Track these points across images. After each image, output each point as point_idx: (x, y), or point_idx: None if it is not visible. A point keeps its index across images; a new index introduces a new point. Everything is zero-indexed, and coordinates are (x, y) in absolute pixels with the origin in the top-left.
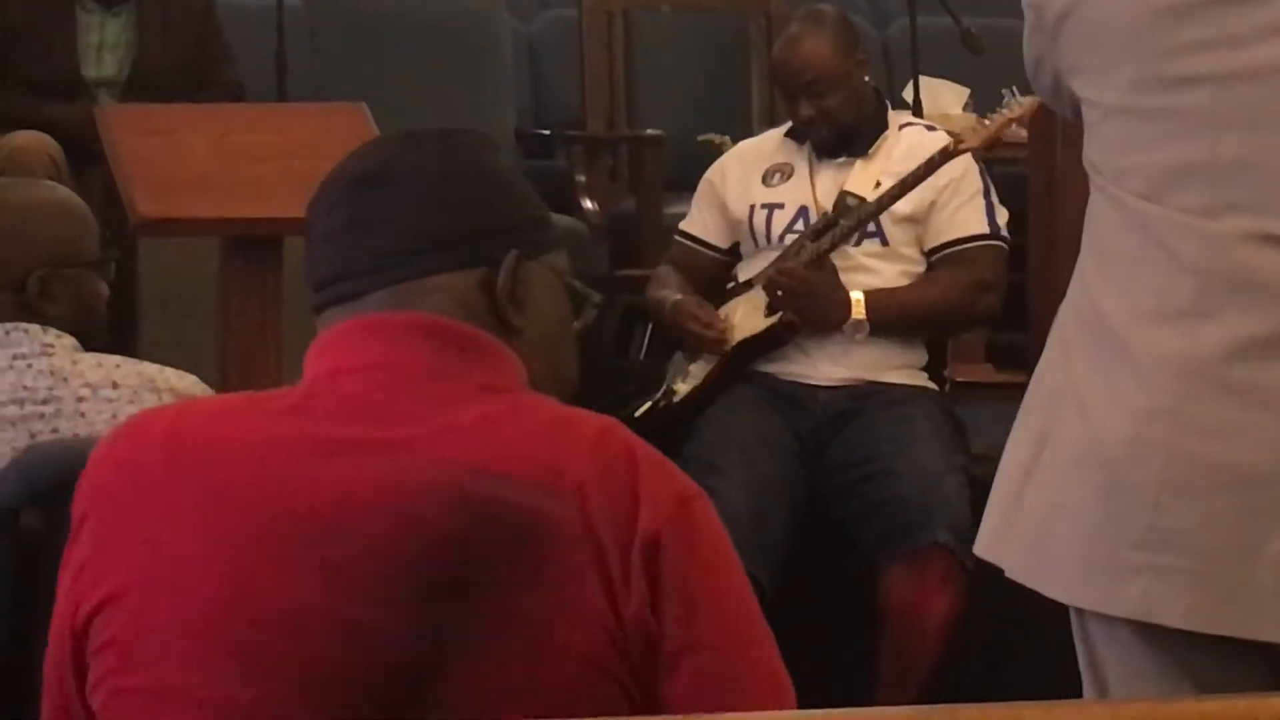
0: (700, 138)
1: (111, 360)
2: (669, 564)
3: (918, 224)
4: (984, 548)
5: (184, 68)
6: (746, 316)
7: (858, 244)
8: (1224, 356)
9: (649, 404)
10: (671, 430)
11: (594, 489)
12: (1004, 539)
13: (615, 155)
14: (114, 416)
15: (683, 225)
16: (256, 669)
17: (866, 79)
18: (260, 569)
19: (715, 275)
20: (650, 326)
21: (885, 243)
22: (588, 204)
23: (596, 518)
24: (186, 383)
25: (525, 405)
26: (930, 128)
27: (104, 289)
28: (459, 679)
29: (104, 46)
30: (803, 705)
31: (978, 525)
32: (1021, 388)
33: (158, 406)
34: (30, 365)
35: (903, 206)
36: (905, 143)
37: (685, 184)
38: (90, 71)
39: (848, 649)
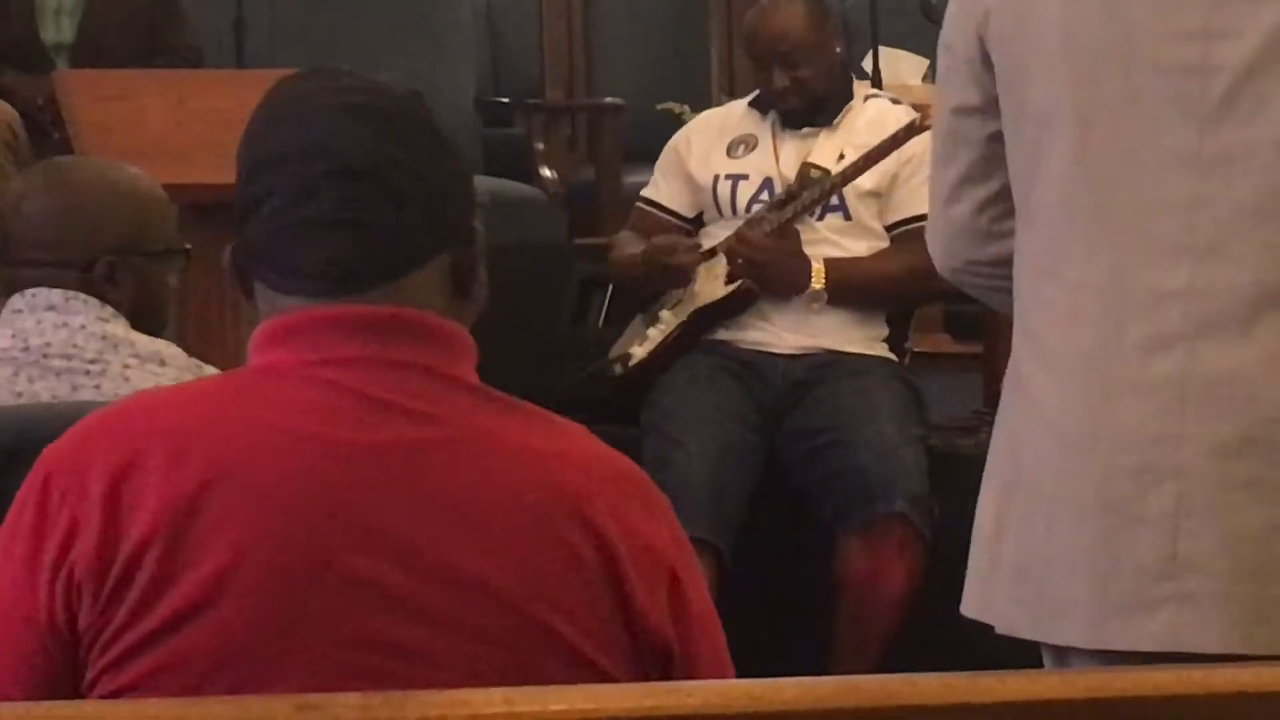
0: (659, 106)
1: (163, 341)
2: (683, 591)
3: (880, 198)
4: (970, 609)
5: (135, 26)
6: (705, 284)
7: (821, 218)
8: (1225, 376)
9: (603, 368)
10: (627, 395)
11: (608, 516)
12: (987, 596)
13: (574, 123)
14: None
15: (645, 192)
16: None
17: (838, 49)
18: (292, 575)
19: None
20: (609, 294)
21: (848, 217)
22: (546, 172)
23: (615, 545)
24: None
25: (517, 412)
26: (895, 100)
27: (172, 280)
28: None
29: (62, 10)
30: (759, 674)
31: (935, 495)
32: (979, 358)
33: (135, 394)
34: (84, 328)
35: (865, 181)
36: (869, 114)
37: (644, 153)
38: (49, 35)
39: (805, 618)
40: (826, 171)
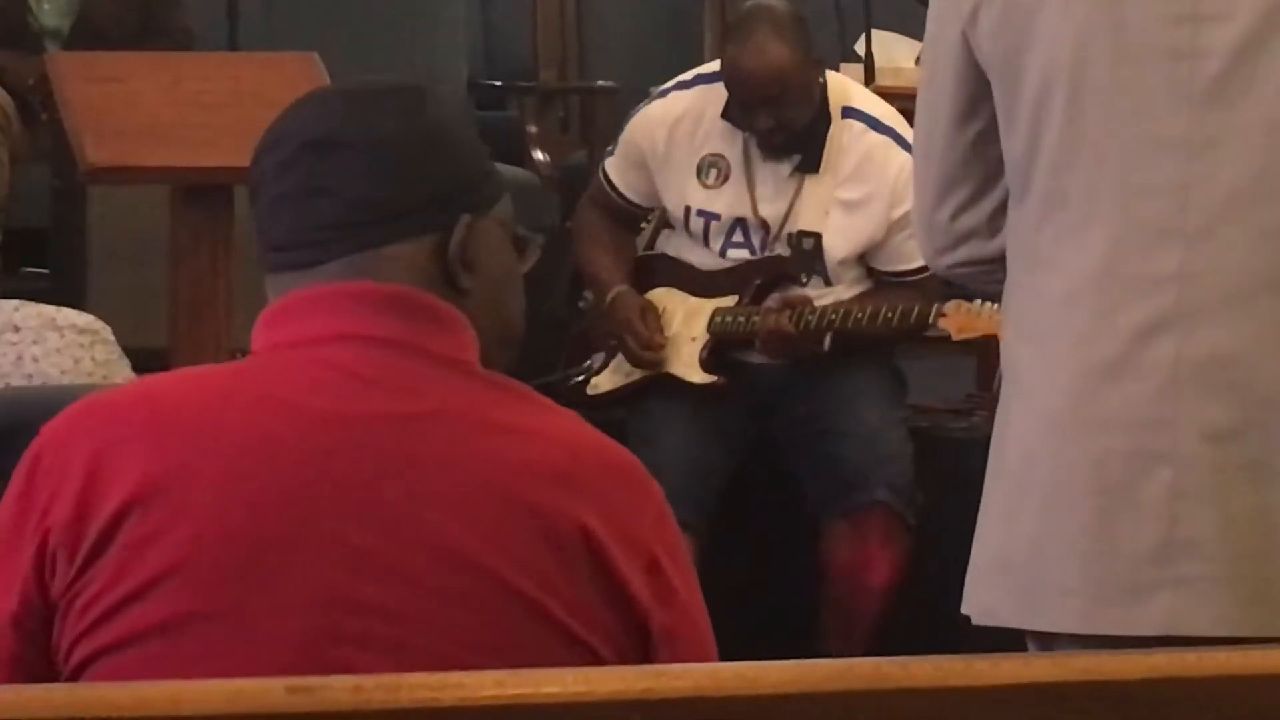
0: (652, 89)
1: (10, 304)
2: (665, 572)
3: (867, 254)
4: (970, 606)
5: (130, 14)
6: (679, 343)
7: (805, 283)
8: (1218, 360)
9: (566, 377)
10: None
11: (590, 502)
12: (987, 586)
13: (567, 106)
14: (18, 359)
15: (609, 169)
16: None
17: (820, 79)
18: (270, 537)
19: (633, 219)
20: None
21: (829, 283)
22: (539, 155)
23: (594, 528)
24: (85, 320)
25: (508, 393)
26: (874, 123)
27: None
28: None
29: None
30: (751, 658)
31: (926, 479)
32: (972, 342)
33: (120, 386)
34: None
35: (851, 247)
36: (854, 155)
37: None
38: (37, 21)
39: (793, 601)
40: (817, 237)
